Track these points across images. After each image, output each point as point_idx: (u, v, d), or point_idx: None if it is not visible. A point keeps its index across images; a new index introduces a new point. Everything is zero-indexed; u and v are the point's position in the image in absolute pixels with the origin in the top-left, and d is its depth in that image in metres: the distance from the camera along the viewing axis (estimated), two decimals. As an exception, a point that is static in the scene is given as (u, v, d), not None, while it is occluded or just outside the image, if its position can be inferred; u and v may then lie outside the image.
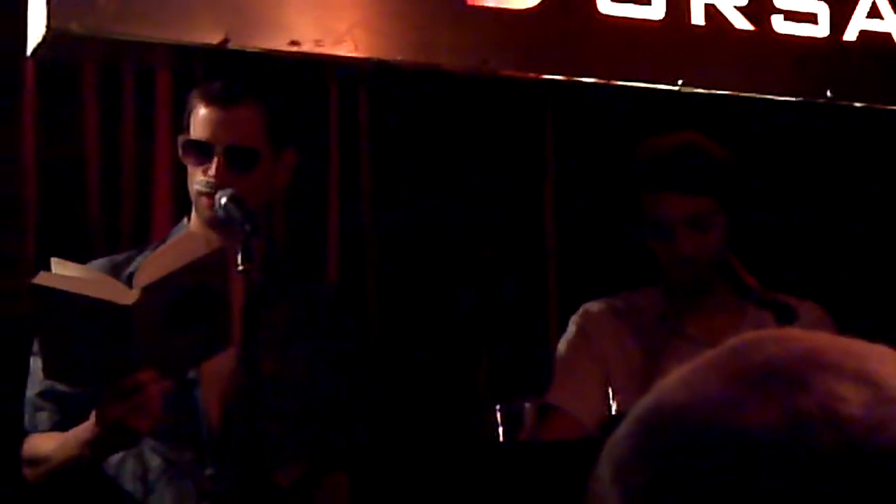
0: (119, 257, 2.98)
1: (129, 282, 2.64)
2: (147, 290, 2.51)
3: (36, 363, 2.76)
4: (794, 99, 3.95)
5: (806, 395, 0.77)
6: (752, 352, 0.81)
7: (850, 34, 4.00)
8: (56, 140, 3.57)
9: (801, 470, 0.74)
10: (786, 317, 2.89)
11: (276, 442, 2.82)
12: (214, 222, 2.83)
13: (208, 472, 2.81)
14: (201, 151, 2.88)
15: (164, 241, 2.94)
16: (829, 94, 3.95)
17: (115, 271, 2.83)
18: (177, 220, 3.10)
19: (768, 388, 0.77)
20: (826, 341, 0.82)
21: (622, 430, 0.82)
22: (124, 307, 2.49)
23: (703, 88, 3.84)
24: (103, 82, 3.60)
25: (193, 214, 2.94)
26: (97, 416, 2.60)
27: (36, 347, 2.76)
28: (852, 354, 0.80)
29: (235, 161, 2.86)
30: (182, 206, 3.06)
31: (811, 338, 0.82)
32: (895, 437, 0.75)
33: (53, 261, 2.61)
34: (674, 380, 0.82)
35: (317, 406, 2.92)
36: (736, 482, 0.75)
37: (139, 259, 2.87)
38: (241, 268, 2.67)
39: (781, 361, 0.79)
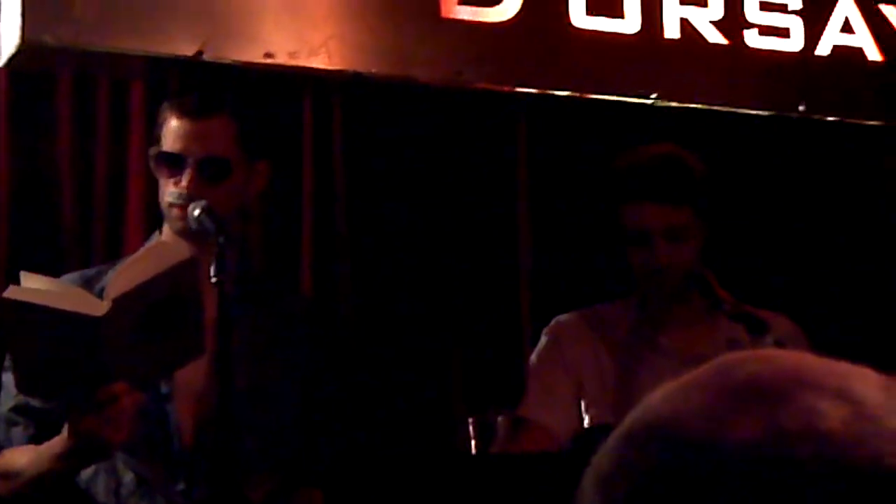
0: (90, 272, 2.96)
1: (100, 296, 2.62)
2: (118, 301, 2.50)
3: (8, 378, 2.74)
4: (767, 113, 3.97)
5: (786, 410, 0.77)
6: (736, 369, 0.82)
7: (823, 49, 4.02)
8: (29, 150, 3.55)
9: (780, 483, 0.75)
10: (757, 330, 2.90)
11: (249, 456, 2.81)
12: (186, 233, 2.82)
13: (179, 487, 2.80)
14: (173, 163, 2.87)
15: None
16: (801, 108, 3.97)
17: (86, 286, 2.80)
18: (150, 231, 3.09)
19: (750, 404, 0.78)
20: (809, 361, 0.83)
21: (608, 443, 0.83)
22: (96, 319, 2.47)
23: (677, 102, 3.86)
24: (77, 92, 3.59)
25: (165, 227, 2.93)
26: (70, 429, 2.59)
27: (8, 362, 2.74)
28: (834, 373, 0.81)
29: (207, 172, 2.85)
30: (155, 217, 3.05)
31: (795, 357, 0.83)
32: (873, 452, 0.76)
33: (23, 274, 2.59)
34: (659, 395, 0.83)
35: (289, 420, 2.91)
36: (716, 495, 0.75)
37: (110, 273, 2.85)
38: (214, 280, 2.66)
39: (764, 378, 0.80)
